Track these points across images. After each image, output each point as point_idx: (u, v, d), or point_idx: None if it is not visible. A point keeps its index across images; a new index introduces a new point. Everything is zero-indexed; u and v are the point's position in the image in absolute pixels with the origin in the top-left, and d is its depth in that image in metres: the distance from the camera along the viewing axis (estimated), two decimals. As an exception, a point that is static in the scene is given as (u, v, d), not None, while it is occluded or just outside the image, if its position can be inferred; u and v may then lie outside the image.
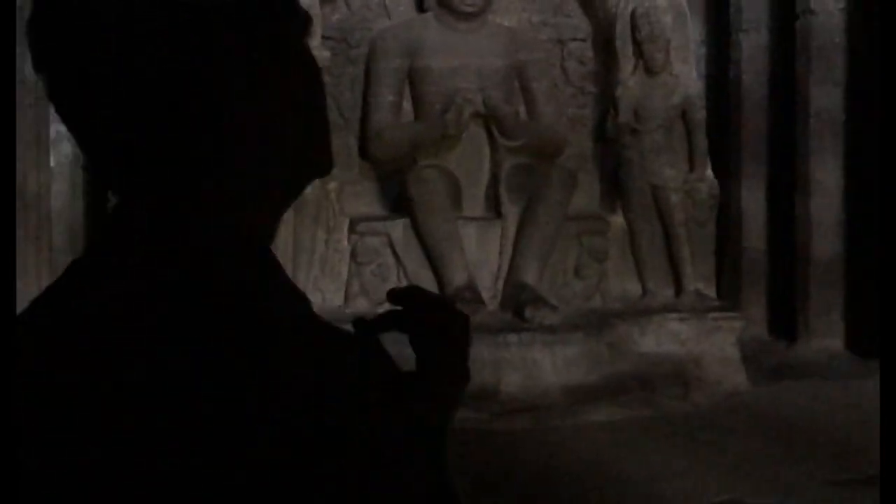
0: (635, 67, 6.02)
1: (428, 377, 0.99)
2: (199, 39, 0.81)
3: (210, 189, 0.84)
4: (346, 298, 5.66)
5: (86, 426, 0.75)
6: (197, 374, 0.75)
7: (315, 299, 5.56)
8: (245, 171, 0.85)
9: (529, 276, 5.57)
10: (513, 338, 5.23)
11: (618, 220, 6.02)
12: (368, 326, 0.99)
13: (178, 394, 0.74)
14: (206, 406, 0.74)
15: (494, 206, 5.80)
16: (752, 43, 6.57)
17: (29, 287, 4.76)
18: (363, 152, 6.06)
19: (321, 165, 0.93)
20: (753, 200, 6.53)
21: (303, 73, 0.90)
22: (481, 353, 5.10)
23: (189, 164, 0.83)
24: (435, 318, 1.02)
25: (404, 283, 5.63)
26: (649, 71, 5.96)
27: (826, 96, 6.21)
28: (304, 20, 0.90)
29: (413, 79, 6.05)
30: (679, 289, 5.89)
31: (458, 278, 5.49)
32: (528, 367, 5.19)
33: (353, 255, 5.66)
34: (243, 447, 0.73)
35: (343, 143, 5.93)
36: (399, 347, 1.01)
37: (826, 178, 6.17)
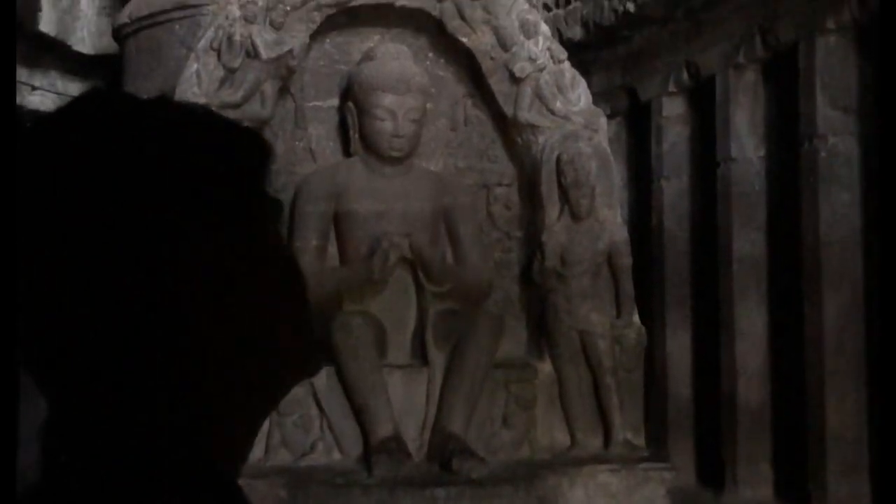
0: (561, 212, 6.00)
1: None
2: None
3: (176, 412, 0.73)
4: (267, 450, 5.43)
5: None
6: None
7: (234, 451, 5.35)
8: (224, 385, 0.74)
9: (457, 425, 5.43)
10: (440, 492, 5.06)
11: (545, 366, 5.92)
12: None
13: None
14: None
15: (421, 353, 5.68)
16: (674, 189, 6.65)
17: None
18: (286, 297, 5.91)
19: (306, 365, 0.83)
20: (678, 346, 6.53)
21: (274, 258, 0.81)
22: (408, 508, 4.96)
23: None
24: None
25: (327, 435, 5.47)
26: (575, 216, 5.95)
27: (748, 241, 6.28)
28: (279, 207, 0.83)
29: (338, 223, 5.97)
30: (608, 438, 5.78)
31: (383, 430, 5.33)
32: (456, 523, 5.02)
33: (275, 404, 5.46)
34: None
35: (266, 287, 5.80)
36: None
37: (750, 323, 6.20)
